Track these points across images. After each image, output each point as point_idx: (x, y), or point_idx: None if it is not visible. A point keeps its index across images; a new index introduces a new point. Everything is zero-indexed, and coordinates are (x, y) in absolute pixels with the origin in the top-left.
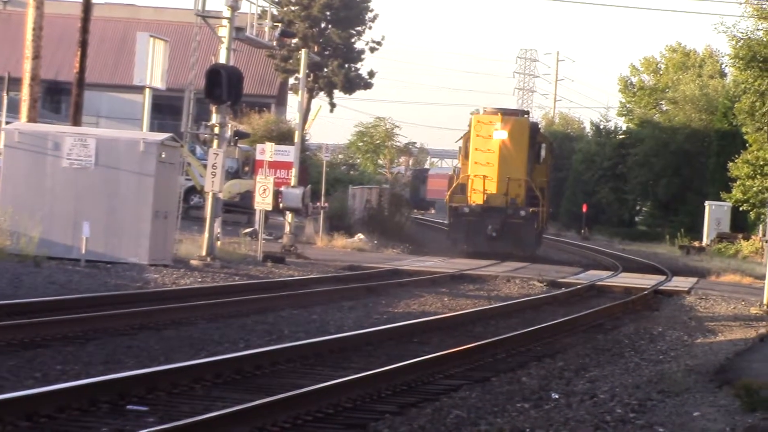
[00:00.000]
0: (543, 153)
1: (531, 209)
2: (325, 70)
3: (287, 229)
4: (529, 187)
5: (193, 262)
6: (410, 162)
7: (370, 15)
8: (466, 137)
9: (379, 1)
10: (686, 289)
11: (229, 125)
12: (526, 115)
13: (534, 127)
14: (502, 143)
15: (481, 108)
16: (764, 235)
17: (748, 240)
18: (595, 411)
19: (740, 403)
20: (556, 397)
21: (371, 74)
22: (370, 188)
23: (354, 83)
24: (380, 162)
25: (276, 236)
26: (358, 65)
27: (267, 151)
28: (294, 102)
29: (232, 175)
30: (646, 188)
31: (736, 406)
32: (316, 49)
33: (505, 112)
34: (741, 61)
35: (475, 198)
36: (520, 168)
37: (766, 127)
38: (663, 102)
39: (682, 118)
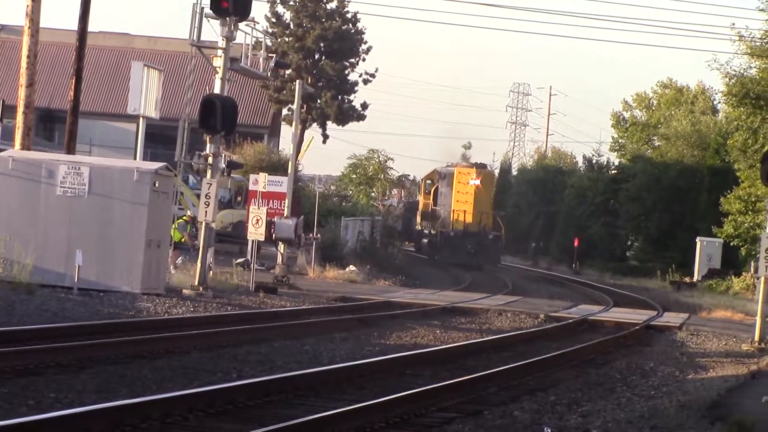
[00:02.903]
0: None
1: (496, 234)
2: (319, 101)
3: (279, 259)
4: (494, 217)
5: (186, 292)
6: (402, 194)
7: (363, 47)
8: (434, 179)
9: (373, 34)
10: (677, 324)
11: (223, 155)
12: (488, 167)
13: (494, 176)
14: (476, 188)
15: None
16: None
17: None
18: None
19: None
20: (549, 431)
21: (364, 106)
22: (363, 220)
23: (347, 115)
24: (373, 194)
25: (268, 266)
26: (352, 97)
27: (260, 182)
28: (287, 133)
29: (224, 205)
30: (637, 223)
31: None
32: (309, 81)
33: (477, 166)
34: (734, 98)
35: (457, 225)
36: (488, 205)
37: (758, 164)
38: (655, 137)
39: (674, 154)
